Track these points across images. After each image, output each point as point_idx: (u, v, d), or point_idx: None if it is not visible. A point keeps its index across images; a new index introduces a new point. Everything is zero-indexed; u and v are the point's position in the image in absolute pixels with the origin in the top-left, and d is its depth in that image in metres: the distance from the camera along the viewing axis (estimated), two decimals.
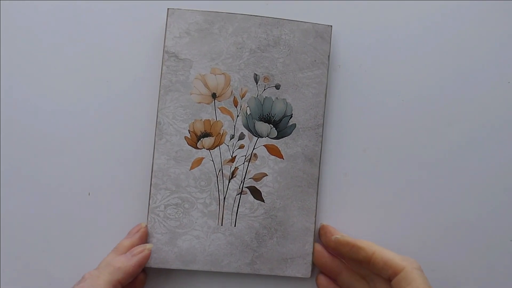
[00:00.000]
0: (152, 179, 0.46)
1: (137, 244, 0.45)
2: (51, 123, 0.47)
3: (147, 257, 0.44)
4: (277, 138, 0.47)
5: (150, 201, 0.46)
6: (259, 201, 0.47)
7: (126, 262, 0.42)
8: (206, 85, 0.47)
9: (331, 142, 0.49)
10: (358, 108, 0.49)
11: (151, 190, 0.46)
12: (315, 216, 0.48)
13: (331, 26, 0.48)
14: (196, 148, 0.47)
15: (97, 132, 0.48)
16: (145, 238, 0.45)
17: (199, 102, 0.47)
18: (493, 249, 0.50)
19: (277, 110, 0.47)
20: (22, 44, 0.48)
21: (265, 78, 0.47)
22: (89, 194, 0.47)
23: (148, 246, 0.44)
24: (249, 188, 0.47)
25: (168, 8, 0.47)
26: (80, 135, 0.48)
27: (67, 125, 0.47)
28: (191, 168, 0.47)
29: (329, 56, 0.48)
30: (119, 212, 0.47)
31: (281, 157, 0.47)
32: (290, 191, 0.47)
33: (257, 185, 0.47)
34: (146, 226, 0.46)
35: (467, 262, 0.50)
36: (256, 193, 0.47)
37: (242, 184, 0.47)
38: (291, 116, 0.47)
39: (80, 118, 0.48)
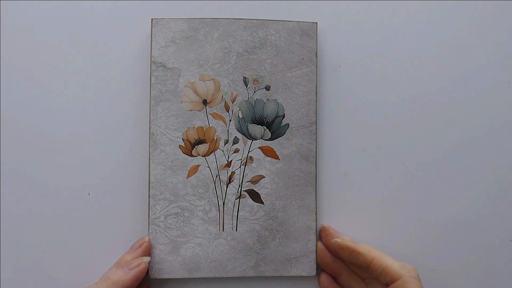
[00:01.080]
0: (150, 190, 0.46)
1: None
2: (51, 123, 0.47)
3: (144, 271, 0.44)
4: (271, 139, 0.47)
5: (150, 212, 0.46)
6: (259, 204, 0.47)
7: (123, 276, 0.42)
8: (196, 92, 0.47)
9: (331, 142, 0.49)
10: (358, 107, 0.49)
11: (150, 202, 0.46)
12: (316, 214, 0.48)
13: (316, 23, 0.48)
14: (191, 155, 0.47)
15: (96, 133, 0.48)
16: (147, 252, 0.45)
17: (191, 110, 0.47)
18: (493, 249, 0.50)
19: (269, 111, 0.47)
20: (21, 44, 0.48)
21: (255, 80, 0.47)
22: (89, 194, 0.47)
23: (145, 259, 0.44)
24: (248, 191, 0.47)
25: (152, 19, 0.47)
26: (79, 135, 0.48)
27: (67, 125, 0.48)
28: (188, 176, 0.46)
29: (316, 53, 0.48)
30: (119, 212, 0.47)
31: (276, 158, 0.47)
32: (289, 191, 0.47)
33: (255, 188, 0.47)
34: (149, 240, 0.46)
35: (467, 262, 0.50)
36: (255, 196, 0.47)
37: (240, 188, 0.47)
38: (284, 116, 0.47)
39: (78, 119, 0.48)
